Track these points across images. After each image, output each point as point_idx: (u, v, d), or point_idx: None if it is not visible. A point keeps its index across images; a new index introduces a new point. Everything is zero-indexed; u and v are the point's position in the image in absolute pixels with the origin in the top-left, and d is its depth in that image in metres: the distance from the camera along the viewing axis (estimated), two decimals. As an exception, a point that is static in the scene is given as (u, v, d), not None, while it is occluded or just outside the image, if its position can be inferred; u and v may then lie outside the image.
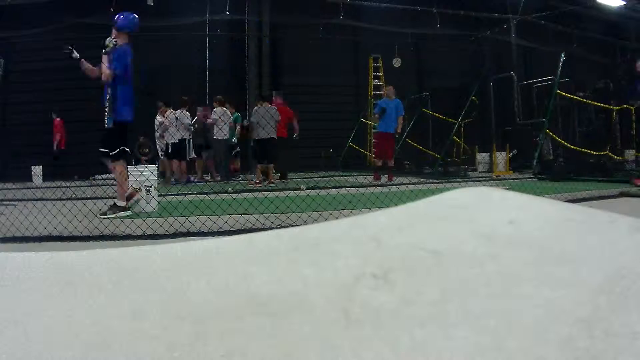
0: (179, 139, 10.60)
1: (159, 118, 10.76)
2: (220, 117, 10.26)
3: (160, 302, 1.00)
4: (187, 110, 10.69)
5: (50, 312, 0.99)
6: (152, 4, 12.77)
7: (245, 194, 7.23)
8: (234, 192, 7.27)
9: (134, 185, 5.20)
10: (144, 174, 5.17)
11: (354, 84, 16.39)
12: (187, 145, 10.69)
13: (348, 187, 5.93)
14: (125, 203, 4.93)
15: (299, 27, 14.94)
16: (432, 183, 8.96)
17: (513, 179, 9.72)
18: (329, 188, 6.53)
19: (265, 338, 0.86)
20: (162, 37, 13.11)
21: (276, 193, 7.09)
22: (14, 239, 3.59)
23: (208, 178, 11.44)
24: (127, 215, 4.76)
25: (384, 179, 9.44)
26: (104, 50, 4.98)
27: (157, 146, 11.18)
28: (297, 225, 2.54)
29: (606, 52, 17.32)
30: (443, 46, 16.32)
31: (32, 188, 8.18)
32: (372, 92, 15.61)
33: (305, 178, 11.12)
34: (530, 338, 0.78)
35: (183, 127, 10.45)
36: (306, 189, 6.92)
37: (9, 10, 12.71)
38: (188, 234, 3.72)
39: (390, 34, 15.18)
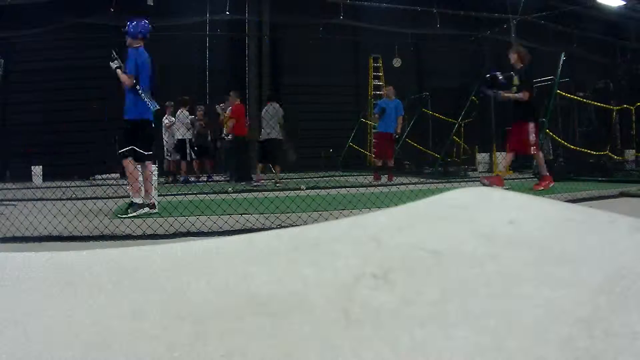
0: (179, 139, 10.63)
1: (169, 118, 10.77)
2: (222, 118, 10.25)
3: (160, 302, 1.00)
4: (186, 110, 10.71)
5: (50, 312, 0.99)
6: (152, 4, 12.78)
7: (245, 194, 7.23)
8: (233, 192, 7.27)
9: (134, 185, 5.20)
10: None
11: (354, 84, 16.39)
12: (188, 145, 10.71)
13: (348, 187, 5.93)
14: (141, 200, 4.96)
15: (299, 27, 14.94)
16: (432, 183, 8.96)
17: (513, 179, 9.72)
18: (329, 188, 6.53)
19: (265, 338, 0.86)
20: (162, 37, 13.11)
21: (276, 193, 7.08)
22: (14, 239, 3.59)
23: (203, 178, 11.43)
24: (147, 213, 4.80)
25: (384, 179, 9.45)
26: (115, 69, 5.15)
27: (165, 146, 11.17)
28: (297, 225, 2.54)
29: (606, 52, 17.32)
30: (443, 46, 16.33)
31: (32, 188, 8.19)
32: (372, 92, 15.61)
33: (305, 178, 11.12)
34: (530, 338, 0.78)
35: (183, 127, 10.47)
36: (306, 189, 6.92)
37: (9, 10, 12.70)
38: (188, 234, 3.72)
39: (390, 34, 15.18)
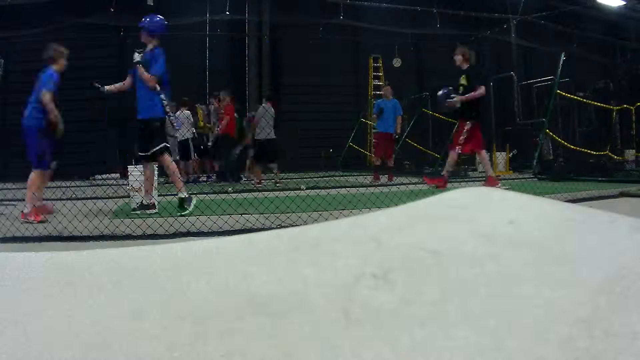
0: (182, 140, 10.64)
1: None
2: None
3: (160, 302, 1.00)
4: (187, 110, 10.72)
5: (50, 312, 0.99)
6: (152, 4, 12.78)
7: (245, 194, 7.23)
8: (233, 192, 7.27)
9: (134, 185, 5.21)
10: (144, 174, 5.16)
11: (354, 84, 16.39)
12: (191, 145, 10.73)
13: (348, 187, 5.93)
14: (186, 194, 4.97)
15: (299, 27, 14.94)
16: (432, 183, 8.94)
17: (513, 179, 9.72)
18: (329, 188, 6.53)
19: (265, 338, 0.86)
20: (162, 37, 13.10)
21: (276, 193, 7.08)
22: (14, 239, 3.59)
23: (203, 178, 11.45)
24: (149, 213, 4.81)
25: (384, 179, 9.44)
26: (138, 64, 5.08)
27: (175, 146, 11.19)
28: (297, 225, 2.54)
29: (606, 52, 17.32)
30: (443, 46, 16.31)
31: (32, 188, 8.17)
32: (372, 92, 15.61)
33: (305, 178, 11.11)
34: (530, 338, 0.78)
35: (184, 128, 10.48)
36: (306, 189, 6.91)
37: (9, 10, 12.71)
38: (188, 234, 3.72)
39: (390, 34, 15.18)
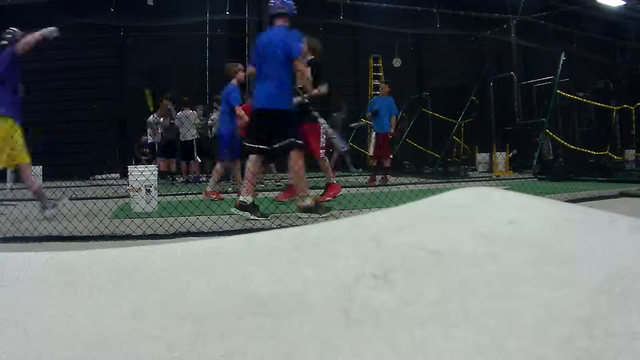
0: (185, 140, 10.63)
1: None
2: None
3: (160, 302, 1.00)
4: (188, 110, 10.72)
5: (50, 312, 0.99)
6: (152, 4, 12.78)
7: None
8: (234, 192, 7.26)
9: (134, 185, 5.20)
10: (144, 174, 5.16)
11: (354, 84, 16.38)
12: (195, 145, 10.72)
13: (348, 187, 5.93)
14: (310, 201, 4.43)
15: (299, 27, 14.92)
16: (432, 183, 8.96)
17: (513, 179, 9.71)
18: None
19: (265, 338, 0.86)
20: (162, 37, 13.12)
21: (276, 193, 7.08)
22: (14, 239, 3.59)
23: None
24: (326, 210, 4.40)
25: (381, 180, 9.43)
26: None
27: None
28: (297, 225, 2.54)
29: (606, 52, 17.32)
30: (443, 46, 16.32)
31: (32, 188, 8.17)
32: (372, 92, 15.60)
33: (305, 178, 11.09)
34: (530, 338, 0.78)
35: (184, 128, 10.47)
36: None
37: (9, 10, 12.71)
38: (188, 234, 3.72)
39: (390, 34, 15.18)
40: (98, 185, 8.94)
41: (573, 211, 1.23)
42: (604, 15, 16.62)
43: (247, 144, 4.54)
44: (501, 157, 11.89)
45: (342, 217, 1.42)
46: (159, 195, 5.39)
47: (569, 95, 9.26)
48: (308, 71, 4.67)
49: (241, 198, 4.34)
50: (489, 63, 16.49)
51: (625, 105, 9.35)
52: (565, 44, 15.40)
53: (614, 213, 1.16)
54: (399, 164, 11.98)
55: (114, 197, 6.67)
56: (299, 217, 4.14)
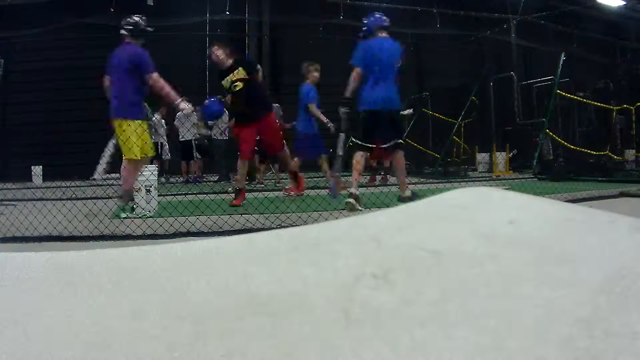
0: (184, 140, 10.64)
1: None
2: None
3: (160, 302, 1.00)
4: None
5: (50, 312, 0.99)
6: (152, 4, 12.78)
7: (245, 194, 7.22)
8: (233, 192, 7.25)
9: (134, 185, 5.20)
10: (144, 174, 5.16)
11: (354, 84, 16.36)
12: (194, 145, 10.74)
13: (348, 187, 5.92)
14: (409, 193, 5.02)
15: (299, 27, 14.93)
16: (432, 183, 8.96)
17: (513, 179, 9.72)
18: (329, 188, 6.52)
19: (265, 338, 0.86)
20: (162, 37, 13.10)
21: (276, 193, 7.08)
22: (14, 239, 3.59)
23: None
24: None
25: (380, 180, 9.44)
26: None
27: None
28: (297, 225, 2.54)
29: (606, 52, 17.32)
30: (443, 46, 16.31)
31: (32, 188, 8.19)
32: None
33: (306, 178, 11.09)
34: (530, 338, 0.78)
35: (184, 128, 10.49)
36: (306, 189, 6.91)
37: (9, 10, 12.71)
38: (188, 234, 3.72)
39: (390, 34, 15.16)
40: (98, 185, 8.94)
41: (573, 211, 1.23)
42: (604, 15, 16.62)
43: (359, 142, 5.13)
44: (501, 157, 11.89)
45: (342, 217, 1.42)
46: (159, 195, 5.39)
47: (569, 95, 9.26)
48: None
49: (352, 190, 4.84)
50: (489, 63, 16.49)
51: (625, 105, 9.35)
52: (565, 44, 15.40)
53: (614, 213, 1.16)
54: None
55: (114, 197, 6.67)
56: (299, 217, 4.14)
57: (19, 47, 13.19)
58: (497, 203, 1.23)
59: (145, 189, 5.14)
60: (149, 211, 4.94)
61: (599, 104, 9.43)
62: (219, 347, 0.84)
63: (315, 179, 10.85)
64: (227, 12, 14.26)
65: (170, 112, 10.99)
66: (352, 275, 0.98)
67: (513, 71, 13.38)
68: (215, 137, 10.42)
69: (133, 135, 4.83)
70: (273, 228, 3.75)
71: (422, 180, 9.87)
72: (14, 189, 7.80)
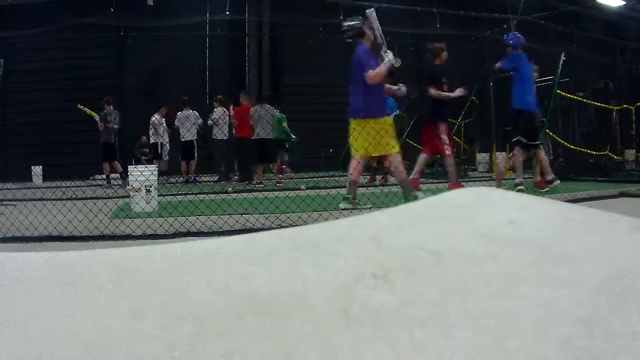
0: (186, 140, 10.63)
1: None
2: (220, 117, 10.27)
3: (160, 302, 1.00)
4: (189, 110, 10.73)
5: (50, 312, 0.99)
6: (152, 4, 12.77)
7: (245, 194, 7.23)
8: (233, 192, 7.27)
9: (134, 185, 5.20)
10: (144, 174, 5.16)
11: (354, 84, 16.36)
12: (195, 145, 10.73)
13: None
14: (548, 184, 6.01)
15: (299, 27, 14.93)
16: (432, 183, 8.95)
17: (513, 179, 9.71)
18: (329, 188, 6.53)
19: (265, 338, 0.86)
20: (162, 37, 13.12)
21: (276, 193, 7.08)
22: (14, 239, 3.59)
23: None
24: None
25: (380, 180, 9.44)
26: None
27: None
28: (297, 225, 2.54)
29: (606, 52, 17.32)
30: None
31: (32, 188, 8.19)
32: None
33: (305, 178, 11.11)
34: (530, 338, 0.78)
35: (184, 128, 10.49)
36: (306, 189, 6.91)
37: (9, 10, 12.71)
38: (188, 234, 3.72)
39: (390, 34, 15.16)
40: (98, 185, 8.95)
41: (573, 211, 1.23)
42: (604, 15, 16.62)
43: (523, 140, 6.12)
44: (501, 157, 11.88)
45: (342, 217, 1.42)
46: (159, 195, 5.39)
47: (569, 95, 9.26)
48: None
49: (517, 181, 6.02)
50: (489, 63, 16.48)
51: (625, 105, 9.35)
52: (565, 44, 15.39)
53: (614, 213, 1.16)
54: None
55: (114, 197, 6.67)
56: (299, 217, 4.14)
57: (19, 47, 13.18)
58: (497, 203, 1.23)
59: (145, 189, 5.14)
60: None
61: (599, 104, 9.44)
62: (219, 347, 0.84)
63: (315, 179, 10.86)
64: (227, 12, 14.27)
65: (170, 112, 11.02)
66: (352, 275, 0.98)
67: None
68: (215, 137, 10.40)
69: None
70: (273, 228, 3.75)
71: (422, 180, 9.85)
72: (14, 189, 7.80)
